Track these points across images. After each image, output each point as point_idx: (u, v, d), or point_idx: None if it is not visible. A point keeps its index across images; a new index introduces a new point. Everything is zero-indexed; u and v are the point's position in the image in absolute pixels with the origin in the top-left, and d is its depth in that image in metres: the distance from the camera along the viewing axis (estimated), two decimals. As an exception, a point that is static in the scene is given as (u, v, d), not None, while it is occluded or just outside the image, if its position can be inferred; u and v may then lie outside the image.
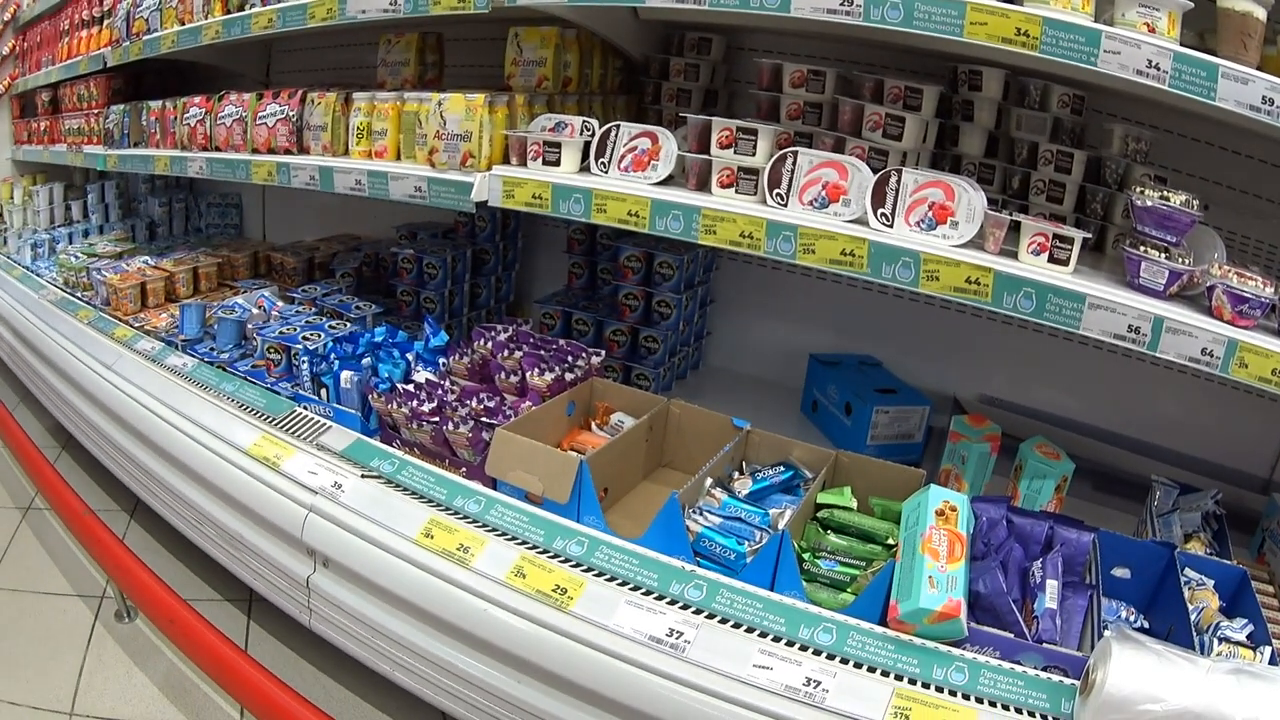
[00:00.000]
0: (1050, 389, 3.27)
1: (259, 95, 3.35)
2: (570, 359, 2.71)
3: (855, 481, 2.54)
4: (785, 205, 2.31)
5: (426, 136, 2.72)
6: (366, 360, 2.75)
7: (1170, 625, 2.25)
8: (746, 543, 2.25)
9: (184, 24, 3.77)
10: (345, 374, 2.71)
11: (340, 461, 2.68)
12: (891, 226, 2.24)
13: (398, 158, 2.88)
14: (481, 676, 2.36)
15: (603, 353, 2.84)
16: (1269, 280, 2.18)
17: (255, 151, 3.35)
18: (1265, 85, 2.00)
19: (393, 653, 2.52)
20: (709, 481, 2.42)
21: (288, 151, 3.23)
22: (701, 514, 2.33)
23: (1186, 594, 2.29)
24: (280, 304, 3.20)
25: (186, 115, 3.56)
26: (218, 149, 3.49)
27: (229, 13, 3.51)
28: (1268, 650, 2.19)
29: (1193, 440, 3.13)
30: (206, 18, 3.63)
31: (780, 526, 2.23)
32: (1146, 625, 2.32)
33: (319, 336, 2.86)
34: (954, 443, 2.67)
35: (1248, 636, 2.26)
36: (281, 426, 2.85)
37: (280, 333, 2.94)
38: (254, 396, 3.02)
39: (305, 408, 2.85)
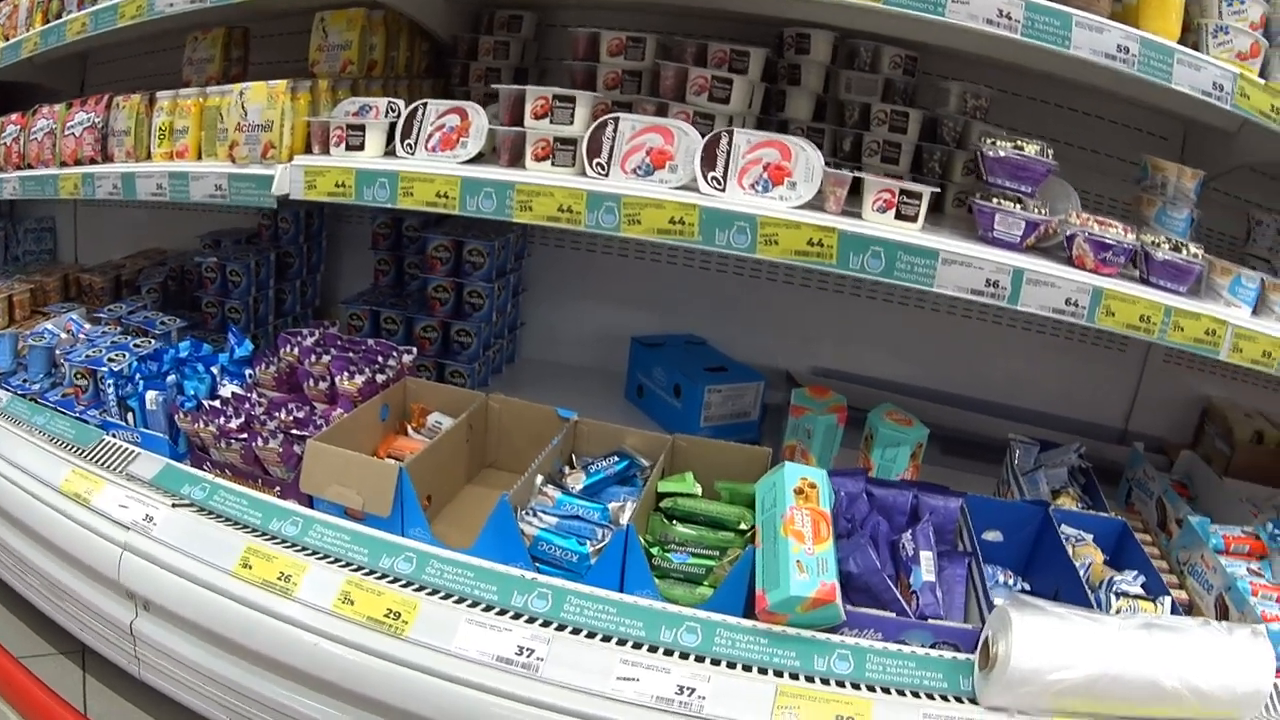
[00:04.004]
0: (886, 356, 2.95)
1: (68, 105, 2.82)
2: (380, 359, 2.25)
3: (696, 466, 2.12)
4: (606, 175, 1.90)
5: (228, 130, 2.24)
6: (171, 378, 2.20)
7: (1057, 586, 1.93)
8: (588, 542, 1.82)
9: (7, 39, 3.13)
10: (150, 394, 2.17)
11: (150, 491, 2.16)
12: (724, 190, 1.85)
13: (199, 156, 2.38)
14: (317, 716, 1.90)
15: (414, 350, 2.38)
16: (1130, 227, 1.92)
17: (63, 164, 2.80)
18: (1120, 34, 1.78)
19: (226, 699, 2.03)
20: (539, 479, 1.99)
21: (93, 161, 2.70)
22: (536, 515, 1.89)
23: (1068, 550, 1.93)
24: (88, 326, 2.59)
25: (3, 135, 2.95)
26: (29, 166, 2.86)
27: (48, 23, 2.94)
28: (1167, 600, 1.93)
29: (1042, 397, 2.88)
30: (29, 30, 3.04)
31: (623, 521, 1.83)
32: (1028, 587, 1.98)
33: (124, 357, 2.29)
34: (797, 417, 2.30)
35: (1142, 587, 1.98)
36: (90, 458, 2.31)
37: (86, 356, 2.36)
38: (64, 428, 2.44)
39: (113, 435, 2.29)
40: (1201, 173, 2.10)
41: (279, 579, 1.89)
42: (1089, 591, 1.84)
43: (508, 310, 2.92)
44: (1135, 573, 1.96)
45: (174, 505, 2.09)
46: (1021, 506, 2.09)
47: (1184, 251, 1.91)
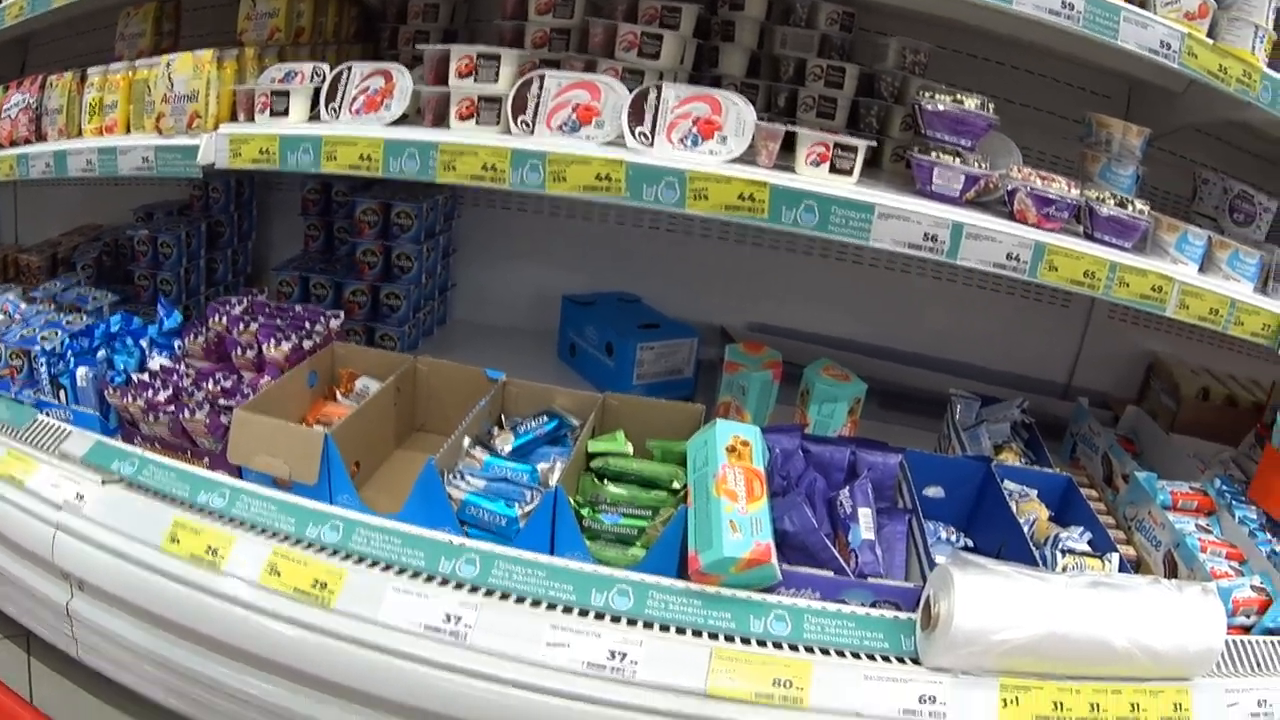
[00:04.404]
0: (824, 311, 2.90)
1: (4, 88, 2.73)
2: (308, 325, 2.18)
3: (628, 425, 2.06)
4: (532, 132, 1.84)
5: (154, 103, 2.20)
6: (102, 353, 2.13)
7: (1001, 542, 1.89)
8: (517, 505, 1.76)
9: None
10: (80, 371, 2.10)
11: (82, 469, 2.09)
12: (652, 146, 1.79)
13: (128, 130, 2.32)
14: (253, 692, 1.84)
15: (341, 314, 2.31)
16: (1073, 183, 1.87)
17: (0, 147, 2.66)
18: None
19: (162, 677, 1.97)
20: (467, 441, 1.93)
21: (28, 141, 2.64)
22: (464, 478, 1.83)
23: (1012, 507, 1.87)
24: (24, 306, 2.51)
25: (-53, 125, 2.84)
26: (-33, 152, 2.78)
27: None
28: (1115, 557, 1.89)
29: (985, 352, 2.85)
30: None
31: (552, 482, 1.77)
32: (971, 544, 1.92)
33: (56, 335, 2.20)
34: (731, 373, 2.25)
35: (1088, 544, 1.94)
36: (24, 439, 2.25)
37: (20, 336, 2.29)
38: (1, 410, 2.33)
39: (47, 414, 2.21)
40: (1147, 130, 2.07)
41: (206, 552, 1.82)
42: (1034, 549, 1.80)
43: (437, 272, 2.86)
44: (1081, 529, 1.91)
45: (104, 482, 2.02)
46: (963, 462, 2.04)
47: (1129, 207, 1.87)
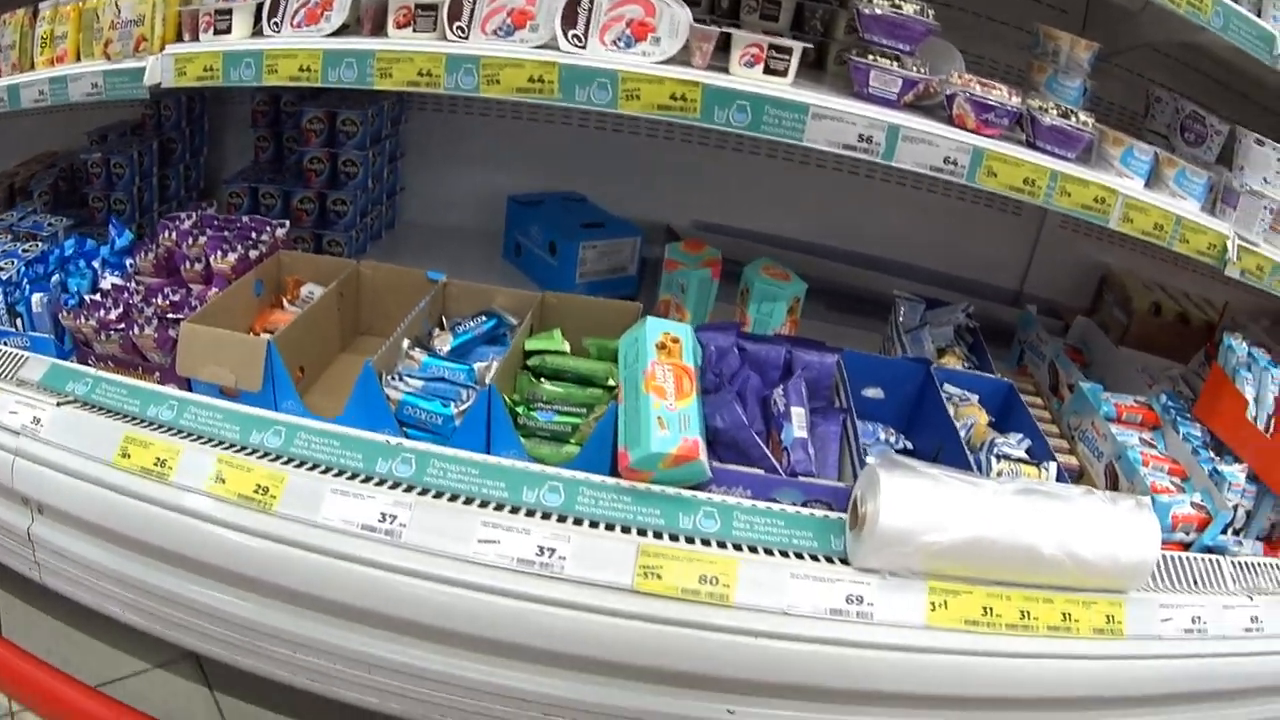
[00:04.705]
0: (775, 211, 2.91)
1: None
2: (254, 235, 2.21)
3: (566, 323, 2.08)
4: (467, 38, 1.84)
5: (103, 30, 2.23)
6: (56, 278, 2.14)
7: (939, 445, 1.89)
8: (453, 404, 1.78)
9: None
10: (35, 297, 2.13)
11: (38, 394, 2.10)
12: (585, 48, 1.79)
13: (78, 59, 2.34)
14: (205, 600, 1.85)
15: (287, 223, 2.33)
16: (1015, 91, 1.86)
17: (-43, 88, 2.69)
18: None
19: (119, 592, 1.99)
20: (406, 343, 1.95)
21: None
22: (402, 379, 1.85)
23: (950, 411, 1.88)
24: None
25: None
26: (-72, 96, 2.79)
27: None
28: (1053, 466, 1.91)
29: (937, 256, 2.86)
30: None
31: (488, 381, 1.75)
32: (910, 447, 1.94)
33: (13, 264, 2.22)
34: (670, 271, 2.27)
35: (1026, 452, 1.95)
36: None
37: None
38: (-41, 344, 2.36)
39: (5, 343, 2.22)
40: (1096, 45, 2.05)
41: (155, 464, 1.84)
42: (969, 453, 1.81)
43: (385, 177, 2.88)
44: (1020, 436, 1.92)
45: (59, 404, 2.03)
46: (902, 364, 2.05)
47: (1073, 118, 1.86)
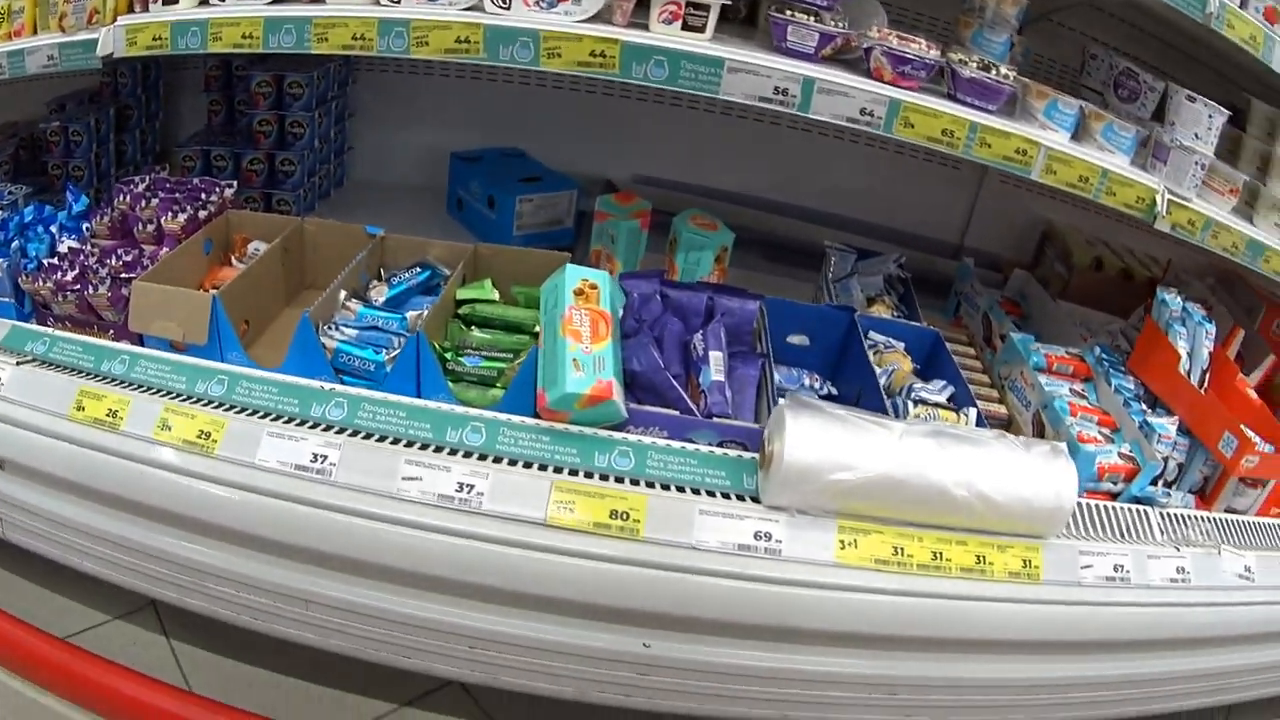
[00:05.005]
0: (717, 165, 2.97)
1: None
2: (204, 196, 2.30)
3: (499, 273, 2.17)
4: (399, 2, 1.90)
5: (57, 4, 2.33)
6: (16, 244, 2.24)
7: (859, 390, 1.92)
8: (384, 351, 1.87)
9: None
10: None
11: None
12: (509, 9, 1.86)
13: (35, 32, 2.44)
14: (152, 543, 1.94)
15: (234, 183, 2.41)
16: (934, 45, 1.91)
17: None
18: None
19: (77, 541, 2.08)
20: (343, 294, 2.04)
21: None
22: (338, 328, 1.94)
23: (875, 357, 1.99)
24: None
25: None
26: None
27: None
28: (972, 412, 1.96)
29: (879, 210, 2.92)
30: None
31: (417, 328, 1.81)
32: (834, 392, 1.98)
33: (-28, 233, 2.32)
34: (600, 222, 2.35)
35: (949, 399, 2.00)
36: None
37: None
38: (-78, 317, 2.47)
39: (-32, 311, 2.33)
40: (1024, 1, 2.10)
41: (107, 415, 1.93)
42: (885, 397, 1.86)
43: (332, 137, 2.97)
44: (943, 383, 1.97)
45: (18, 364, 2.12)
46: (827, 310, 2.12)
47: (993, 71, 1.92)
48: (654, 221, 2.36)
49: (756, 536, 1.66)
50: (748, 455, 1.75)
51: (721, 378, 1.78)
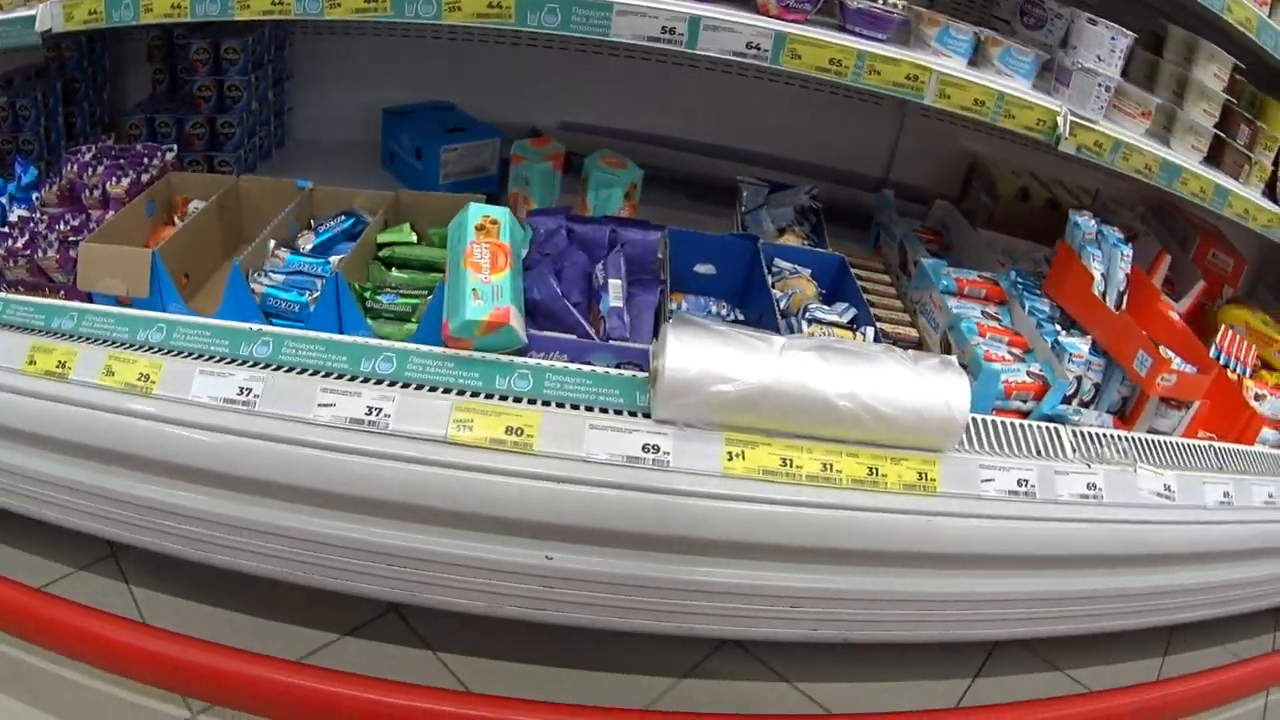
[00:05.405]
0: (643, 109, 3.08)
1: None
2: (146, 160, 2.45)
3: (418, 217, 2.32)
4: None
5: None
6: (-34, 219, 2.44)
7: (760, 314, 2.04)
8: (308, 293, 2.02)
9: None
10: None
11: None
12: (410, -34, 1.99)
13: None
14: (104, 484, 2.10)
15: (175, 147, 2.58)
16: None
17: None
18: None
19: (36, 491, 2.23)
20: (272, 243, 2.19)
21: None
22: (267, 275, 2.10)
23: (780, 284, 2.09)
24: None
25: None
26: None
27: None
28: (870, 331, 2.07)
29: (803, 147, 3.02)
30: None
31: (337, 271, 1.99)
32: (741, 318, 2.10)
33: (-79, 211, 2.51)
34: (516, 165, 2.51)
35: (850, 320, 2.09)
36: None
37: None
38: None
39: (-76, 293, 2.51)
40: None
41: (57, 366, 2.08)
42: (779, 318, 1.98)
43: (270, 99, 3.13)
44: (846, 305, 2.09)
45: None
46: (731, 240, 2.24)
47: (881, 1, 2.03)
48: (573, 164, 2.50)
49: (645, 449, 1.77)
50: (641, 375, 1.87)
51: (620, 304, 1.91)
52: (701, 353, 1.74)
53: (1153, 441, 2.20)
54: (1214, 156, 2.35)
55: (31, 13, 2.30)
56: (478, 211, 1.95)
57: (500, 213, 1.95)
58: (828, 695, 2.15)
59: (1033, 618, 2.17)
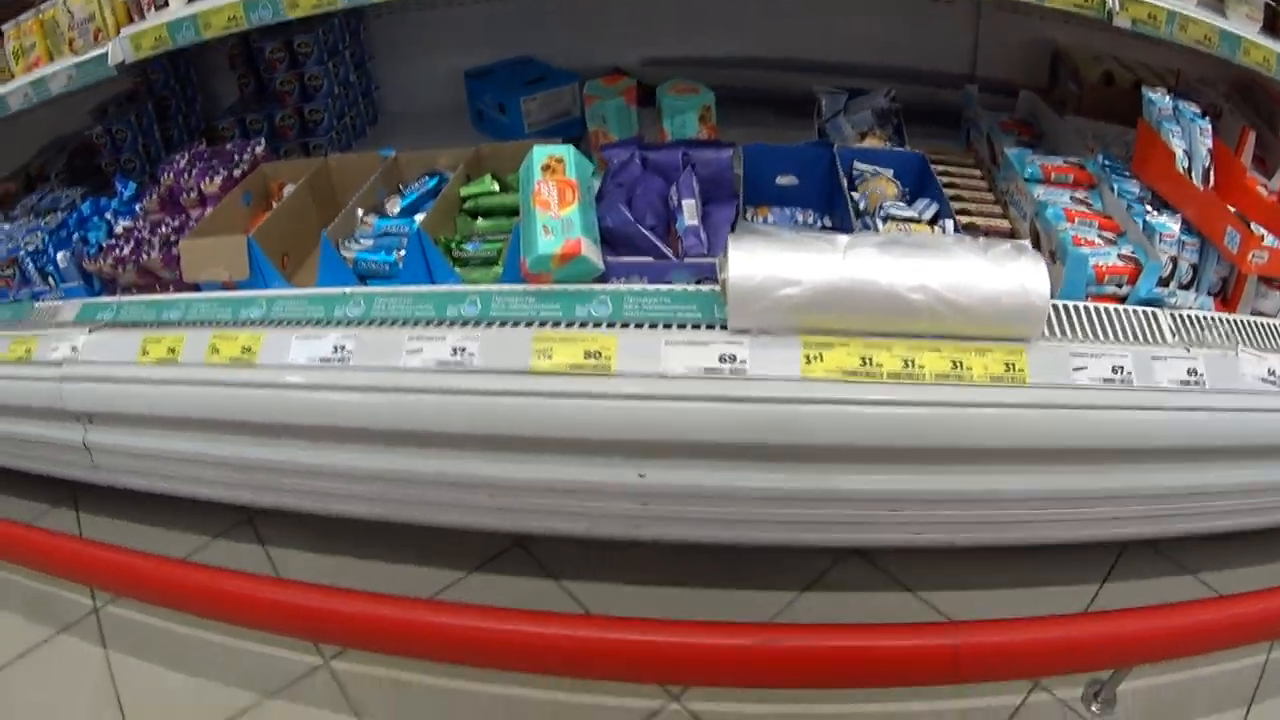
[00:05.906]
0: (721, 35, 3.16)
1: None
2: (236, 157, 2.66)
3: (500, 167, 2.45)
4: None
5: (64, 32, 2.70)
6: (77, 236, 2.69)
7: (842, 218, 2.10)
8: (395, 251, 2.17)
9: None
10: (59, 255, 2.63)
11: (74, 329, 2.57)
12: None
13: (51, 59, 2.82)
14: (216, 451, 2.33)
15: (263, 140, 2.78)
16: None
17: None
18: None
19: (161, 468, 2.48)
20: (360, 211, 2.35)
21: None
22: (356, 241, 2.26)
23: (861, 186, 2.15)
24: (7, 225, 3.10)
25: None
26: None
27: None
28: (949, 224, 2.06)
29: (888, 53, 3.02)
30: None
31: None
32: (829, 225, 2.17)
33: (38, 237, 2.77)
34: (590, 105, 2.63)
35: (935, 216, 2.11)
36: (27, 326, 2.73)
37: (6, 250, 2.82)
38: (3, 314, 2.86)
39: (43, 301, 2.77)
40: None
41: (167, 353, 2.29)
42: (854, 218, 2.01)
43: (353, 81, 3.35)
44: (928, 200, 2.10)
45: (91, 331, 2.50)
46: (806, 148, 2.28)
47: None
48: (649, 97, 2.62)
49: (722, 359, 1.83)
50: (718, 288, 1.91)
51: (695, 222, 1.98)
52: (765, 259, 1.78)
53: (1256, 324, 2.10)
54: (1271, 26, 2.29)
55: (103, 51, 2.53)
56: (542, 153, 2.06)
57: (565, 150, 2.07)
58: (950, 603, 2.17)
59: (1145, 516, 2.08)
